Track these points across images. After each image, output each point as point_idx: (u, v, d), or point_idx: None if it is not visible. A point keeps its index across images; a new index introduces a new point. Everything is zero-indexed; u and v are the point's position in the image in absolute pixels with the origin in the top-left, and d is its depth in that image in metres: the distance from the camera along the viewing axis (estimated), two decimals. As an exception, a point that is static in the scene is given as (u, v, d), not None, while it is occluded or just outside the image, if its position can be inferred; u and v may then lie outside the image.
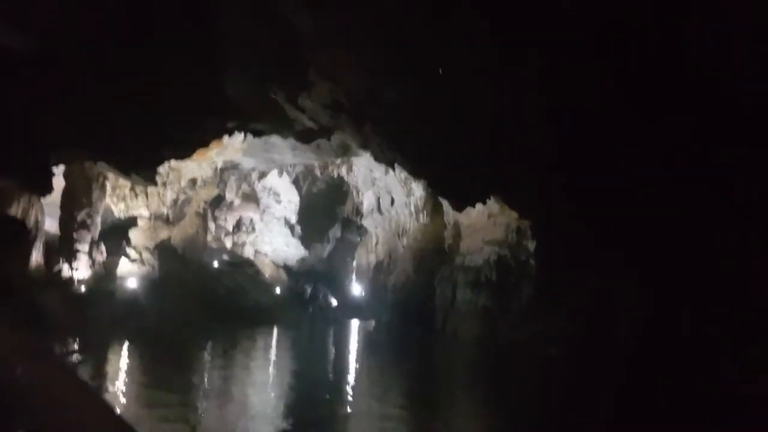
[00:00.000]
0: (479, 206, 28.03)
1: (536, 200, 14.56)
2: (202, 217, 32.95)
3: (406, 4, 11.15)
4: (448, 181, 14.72)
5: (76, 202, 24.45)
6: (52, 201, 25.42)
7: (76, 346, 18.85)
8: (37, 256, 22.60)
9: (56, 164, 18.15)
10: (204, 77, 15.35)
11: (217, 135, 19.03)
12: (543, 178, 13.79)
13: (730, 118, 11.08)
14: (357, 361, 21.40)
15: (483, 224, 27.93)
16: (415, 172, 15.88)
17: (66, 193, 24.65)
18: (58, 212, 25.22)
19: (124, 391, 13.30)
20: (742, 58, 10.27)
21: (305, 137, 18.15)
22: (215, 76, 15.37)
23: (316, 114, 15.28)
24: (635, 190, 13.24)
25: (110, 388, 13.11)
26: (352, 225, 45.37)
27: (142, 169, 18.62)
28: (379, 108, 13.25)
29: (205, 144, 19.39)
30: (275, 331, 29.14)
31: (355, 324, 37.01)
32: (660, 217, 13.38)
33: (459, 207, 16.40)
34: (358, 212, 43.69)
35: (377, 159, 17.17)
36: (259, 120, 17.72)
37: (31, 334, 16.39)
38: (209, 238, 36.73)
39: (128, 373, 15.85)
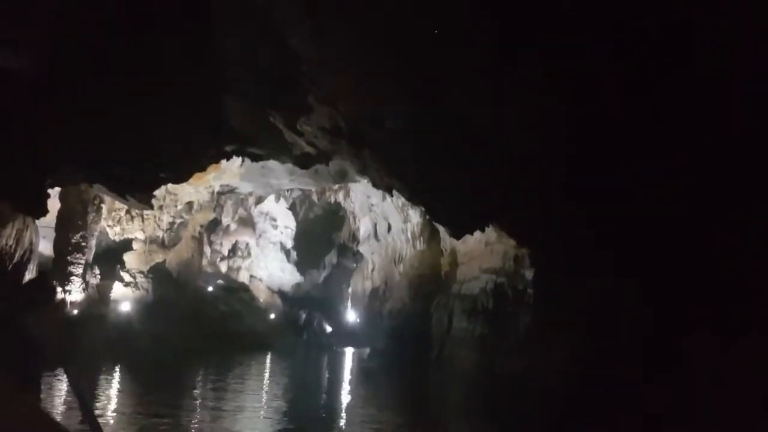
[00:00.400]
0: (476, 234, 27.86)
1: (536, 228, 14.37)
2: (198, 241, 32.69)
3: (410, 28, 11.06)
4: (447, 208, 14.54)
5: (71, 224, 24.19)
6: (47, 223, 25.22)
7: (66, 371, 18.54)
8: (30, 279, 22.29)
9: (52, 186, 17.94)
10: (203, 100, 15.23)
11: (215, 159, 18.85)
12: (543, 205, 13.62)
13: (731, 121, 11.02)
14: (352, 390, 21.06)
15: (480, 252, 27.67)
16: (414, 199, 15.69)
17: (61, 216, 24.40)
18: (53, 234, 25.00)
19: (112, 419, 12.98)
20: (743, 59, 10.20)
21: (303, 162, 17.98)
22: (214, 99, 15.25)
23: (314, 138, 15.14)
24: (639, 216, 13.05)
25: (99, 416, 12.81)
26: (348, 251, 45.16)
27: (138, 192, 18.40)
28: (378, 133, 13.10)
29: (202, 168, 19.21)
30: (269, 358, 28.76)
31: (349, 351, 36.65)
32: (664, 246, 13.20)
33: (457, 234, 16.20)
34: (354, 238, 43.52)
35: (375, 185, 17.00)
36: (258, 144, 17.55)
37: (19, 360, 16.14)
38: (204, 262, 36.46)
39: (118, 400, 15.53)
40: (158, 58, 14.03)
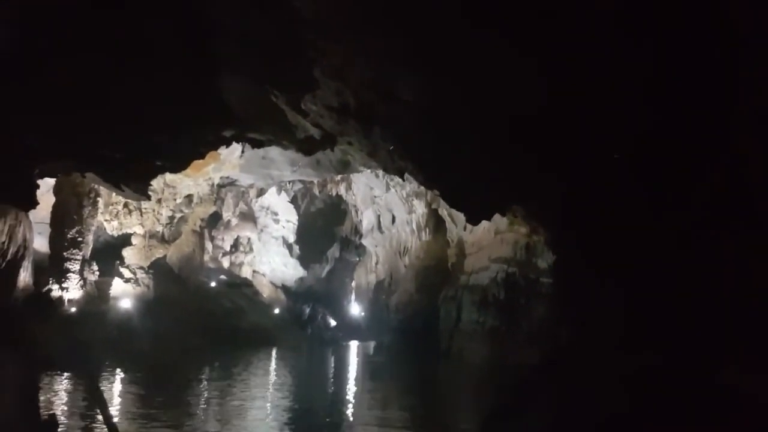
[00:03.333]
0: (485, 223, 26.62)
1: (562, 211, 12.95)
2: (199, 235, 31.29)
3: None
4: (465, 191, 13.15)
5: (66, 219, 22.79)
6: (42, 218, 23.92)
7: (64, 373, 17.29)
8: (25, 276, 20.88)
9: (41, 177, 16.53)
10: (198, 81, 13.78)
11: (214, 145, 17.39)
12: (572, 186, 12.19)
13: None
14: (363, 387, 19.73)
15: (489, 241, 26.40)
16: (429, 182, 14.27)
17: (55, 210, 23.01)
18: (48, 230, 23.68)
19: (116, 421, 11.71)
20: None
21: (307, 147, 16.56)
22: (210, 79, 13.81)
23: (320, 119, 13.72)
24: (679, 206, 11.61)
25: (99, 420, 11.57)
26: (351, 245, 44.37)
27: (133, 181, 16.96)
28: (392, 107, 11.70)
29: (201, 155, 17.76)
30: (274, 354, 27.50)
31: (354, 345, 35.58)
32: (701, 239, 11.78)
33: (475, 220, 14.80)
34: (356, 231, 42.65)
35: (386, 169, 15.61)
36: (258, 129, 16.12)
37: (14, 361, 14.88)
38: (206, 257, 35.28)
39: (122, 402, 14.32)
40: (150, 33, 12.59)
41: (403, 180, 18.50)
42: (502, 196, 13.22)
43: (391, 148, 13.25)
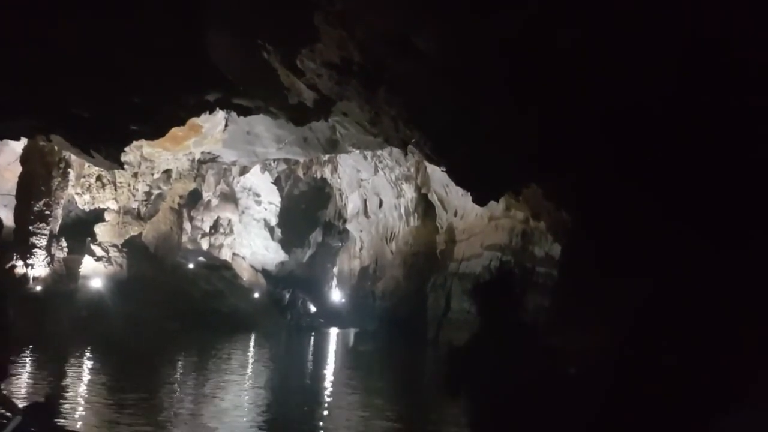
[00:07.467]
0: (477, 209, 25.01)
1: (589, 189, 11.32)
2: (177, 213, 29.27)
3: None
4: (479, 164, 11.49)
5: (33, 190, 20.76)
6: (8, 190, 21.96)
7: (26, 357, 15.45)
8: (-14, 255, 18.95)
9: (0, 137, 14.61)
10: (181, 35, 11.92)
11: (196, 111, 15.40)
12: (602, 167, 10.53)
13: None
14: (356, 379, 17.97)
15: (482, 228, 24.84)
16: (436, 152, 12.51)
17: (22, 181, 20.98)
18: (14, 202, 21.68)
19: (82, 410, 10.24)
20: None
21: (298, 116, 14.71)
22: (194, 33, 11.95)
23: (317, 78, 11.92)
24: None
25: (66, 410, 9.86)
26: (334, 229, 42.90)
27: (104, 146, 15.04)
28: (402, 64, 9.95)
29: (181, 121, 15.80)
30: (252, 341, 25.65)
31: (334, 333, 33.98)
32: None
33: (483, 200, 13.10)
34: (340, 216, 41.12)
35: (387, 140, 13.87)
36: (246, 93, 14.23)
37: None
38: (185, 239, 33.38)
39: (88, 390, 12.63)
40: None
41: (407, 153, 16.80)
42: (523, 172, 11.52)
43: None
